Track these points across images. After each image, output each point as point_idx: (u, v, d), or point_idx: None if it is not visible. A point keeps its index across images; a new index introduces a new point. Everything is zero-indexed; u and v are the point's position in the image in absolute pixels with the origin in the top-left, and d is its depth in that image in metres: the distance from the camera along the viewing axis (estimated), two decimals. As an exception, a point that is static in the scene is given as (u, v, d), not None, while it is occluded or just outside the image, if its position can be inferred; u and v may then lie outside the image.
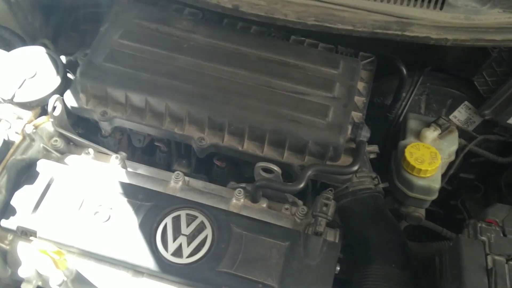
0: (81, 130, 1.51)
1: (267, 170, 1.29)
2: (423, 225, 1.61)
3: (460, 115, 1.69)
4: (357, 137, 1.33)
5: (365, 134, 1.33)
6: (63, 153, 1.39)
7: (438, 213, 1.82)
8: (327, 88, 1.35)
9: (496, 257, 1.09)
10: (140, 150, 1.57)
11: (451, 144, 1.54)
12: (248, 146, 1.32)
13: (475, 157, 1.73)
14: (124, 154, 1.46)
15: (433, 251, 1.53)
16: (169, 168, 1.51)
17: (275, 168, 1.27)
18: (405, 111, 1.65)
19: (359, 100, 1.44)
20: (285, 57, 1.42)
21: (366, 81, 1.48)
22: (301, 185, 1.23)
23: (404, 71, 1.55)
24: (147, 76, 1.33)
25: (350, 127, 1.33)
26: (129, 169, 1.39)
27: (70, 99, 1.38)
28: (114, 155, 1.37)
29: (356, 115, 1.40)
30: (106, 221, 1.22)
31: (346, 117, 1.30)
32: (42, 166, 1.29)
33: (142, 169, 1.41)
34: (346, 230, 1.38)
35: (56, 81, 1.40)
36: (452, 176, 1.68)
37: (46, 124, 1.36)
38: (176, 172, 1.34)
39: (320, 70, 1.40)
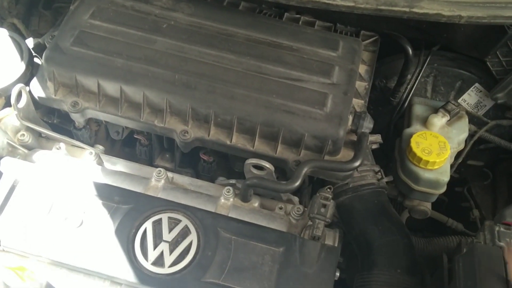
0: (56, 119, 1.36)
1: (259, 167, 1.16)
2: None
3: (470, 98, 1.55)
4: (358, 128, 1.19)
5: (367, 125, 1.19)
6: (31, 148, 1.25)
7: (442, 201, 1.70)
8: (325, 73, 1.21)
9: (517, 266, 0.96)
10: (120, 142, 1.43)
11: (461, 131, 1.41)
12: (237, 140, 1.18)
13: (485, 143, 1.61)
14: (101, 147, 1.33)
15: (440, 247, 1.43)
16: (151, 162, 1.37)
17: (267, 165, 1.14)
18: (410, 95, 1.50)
19: (361, 85, 1.29)
20: (278, 38, 1.26)
21: (369, 64, 1.34)
22: (297, 184, 1.10)
23: (410, 50, 1.40)
24: (121, 61, 1.18)
25: (351, 118, 1.19)
26: (105, 166, 1.26)
27: (36, 88, 1.24)
28: (88, 151, 1.23)
29: (358, 103, 1.26)
30: (78, 226, 1.09)
31: (346, 106, 1.16)
32: (6, 165, 1.15)
33: (121, 165, 1.27)
34: (346, 229, 1.26)
35: (20, 68, 1.25)
36: (460, 164, 1.56)
37: (11, 117, 1.22)
38: (158, 169, 1.20)
39: (317, 53, 1.25)
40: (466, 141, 1.46)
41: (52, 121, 1.36)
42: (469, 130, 1.45)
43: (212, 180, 1.30)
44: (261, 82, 1.18)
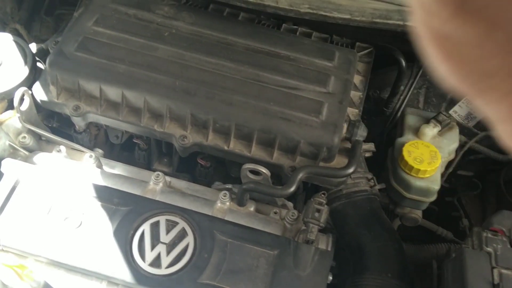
0: (55, 123, 1.39)
1: (255, 172, 1.19)
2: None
3: (460, 110, 1.60)
4: (353, 136, 1.23)
5: (361, 133, 1.23)
6: (32, 150, 1.27)
7: (433, 210, 1.74)
8: (321, 82, 1.25)
9: (503, 271, 1.00)
10: (119, 146, 1.46)
11: (452, 141, 1.45)
12: (235, 146, 1.22)
13: (475, 154, 1.65)
14: (100, 151, 1.35)
15: (430, 254, 1.46)
16: (149, 166, 1.40)
17: (263, 170, 1.17)
18: (403, 105, 1.55)
19: (356, 95, 1.33)
20: (276, 48, 1.30)
21: (363, 74, 1.38)
22: (292, 189, 1.12)
23: (403, 62, 1.44)
24: (123, 67, 1.21)
25: (345, 126, 1.22)
26: (104, 169, 1.28)
27: (39, 91, 1.26)
28: (87, 154, 1.26)
29: (352, 112, 1.29)
30: (77, 227, 1.11)
31: (341, 115, 1.20)
32: (7, 166, 1.17)
33: (120, 168, 1.30)
34: (339, 235, 1.28)
35: (24, 72, 1.28)
36: (450, 174, 1.60)
37: (13, 119, 1.24)
38: (156, 173, 1.23)
39: (313, 63, 1.29)
40: (456, 151, 1.49)
41: (51, 124, 1.39)
42: (460, 140, 1.49)
43: (209, 184, 1.33)
44: (259, 90, 1.21)
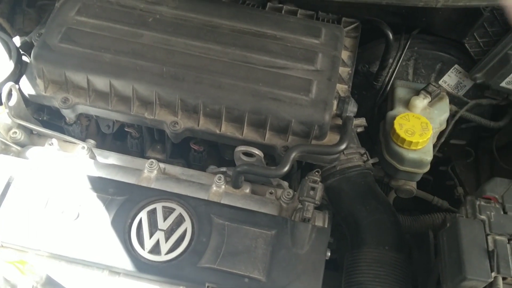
0: (46, 116, 1.38)
1: (248, 154, 1.19)
2: (413, 194, 1.54)
3: (450, 79, 1.60)
4: (343, 112, 1.23)
5: (352, 109, 1.23)
6: (24, 145, 1.27)
7: (428, 180, 1.75)
8: (309, 60, 1.24)
9: (497, 237, 1.01)
10: (111, 136, 1.46)
11: (442, 112, 1.45)
12: (227, 129, 1.22)
13: (466, 122, 1.66)
14: (92, 142, 1.35)
15: (426, 224, 1.47)
16: (142, 154, 1.40)
17: (256, 151, 1.17)
18: (392, 78, 1.54)
19: (344, 71, 1.33)
20: (262, 28, 1.29)
21: (351, 50, 1.37)
22: (286, 169, 1.13)
23: (390, 35, 1.43)
24: (109, 56, 1.20)
25: (335, 103, 1.23)
26: (98, 159, 1.28)
27: (26, 86, 1.25)
28: (80, 145, 1.26)
29: (342, 88, 1.29)
30: (75, 219, 1.12)
31: (330, 92, 1.20)
32: (0, 162, 1.17)
33: (113, 158, 1.30)
34: (335, 211, 1.30)
35: (9, 66, 1.27)
36: (443, 143, 1.60)
37: (2, 115, 1.23)
38: (150, 160, 1.23)
39: (300, 41, 1.28)
40: (447, 121, 1.50)
41: (42, 118, 1.38)
42: (450, 110, 1.49)
43: (203, 169, 1.34)
44: (247, 71, 1.21)
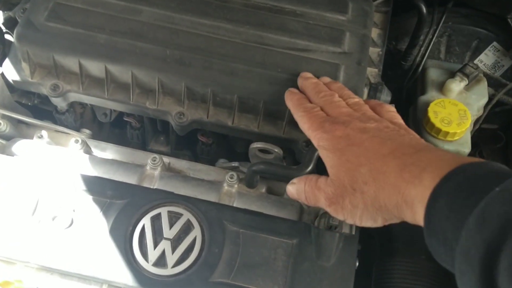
0: (37, 99, 1.23)
1: (265, 151, 1.04)
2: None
3: (487, 58, 1.43)
4: (375, 101, 1.07)
5: (385, 98, 1.07)
6: (10, 138, 1.12)
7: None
8: (335, 40, 1.07)
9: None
10: (109, 124, 1.30)
11: (481, 96, 1.29)
12: (240, 121, 1.06)
13: (501, 105, 1.50)
14: (88, 131, 1.20)
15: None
16: (144, 146, 1.25)
17: (275, 149, 1.02)
18: (425, 58, 1.37)
19: (374, 51, 1.16)
20: (280, 2, 1.12)
21: (381, 27, 1.20)
22: (309, 169, 0.98)
23: (424, 8, 1.26)
24: (104, 37, 1.04)
25: (366, 90, 1.07)
26: (94, 153, 1.14)
27: (10, 70, 1.09)
28: (73, 138, 1.11)
29: (371, 72, 1.13)
30: (68, 227, 0.98)
31: (361, 78, 1.03)
32: (-19, 161, 1.02)
33: (111, 151, 1.15)
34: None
35: (-11, 48, 1.10)
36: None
37: (-17, 105, 1.08)
38: (153, 156, 1.08)
39: (324, 17, 1.11)
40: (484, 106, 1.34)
41: (32, 102, 1.23)
42: (488, 93, 1.34)
43: (212, 162, 1.19)
44: (264, 55, 1.04)
